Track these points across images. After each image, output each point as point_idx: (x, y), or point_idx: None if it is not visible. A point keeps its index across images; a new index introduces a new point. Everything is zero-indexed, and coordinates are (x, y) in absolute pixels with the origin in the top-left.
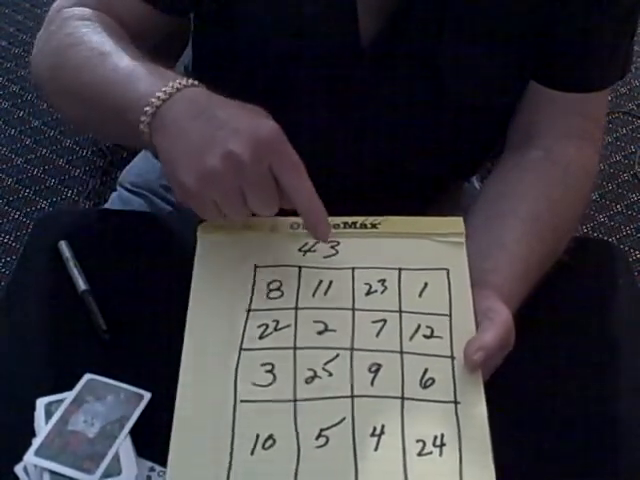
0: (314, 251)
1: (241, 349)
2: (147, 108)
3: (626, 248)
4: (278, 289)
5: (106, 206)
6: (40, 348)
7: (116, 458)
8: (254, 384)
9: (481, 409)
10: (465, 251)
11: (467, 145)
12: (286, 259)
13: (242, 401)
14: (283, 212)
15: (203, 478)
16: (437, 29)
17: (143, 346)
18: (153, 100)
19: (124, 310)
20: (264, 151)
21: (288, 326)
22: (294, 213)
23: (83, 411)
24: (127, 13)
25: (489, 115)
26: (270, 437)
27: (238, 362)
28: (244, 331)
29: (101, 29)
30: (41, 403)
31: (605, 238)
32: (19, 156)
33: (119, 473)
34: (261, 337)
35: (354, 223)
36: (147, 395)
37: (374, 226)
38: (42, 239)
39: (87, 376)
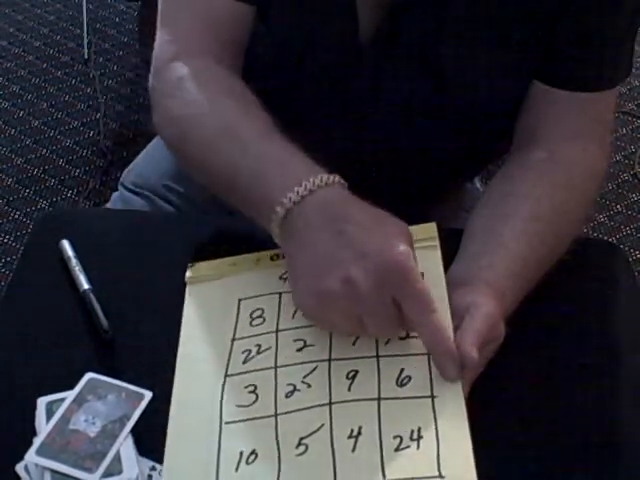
0: None
1: (226, 376)
2: (278, 209)
3: (626, 248)
4: (260, 316)
5: (107, 206)
6: (41, 347)
7: (117, 457)
8: (237, 405)
9: (458, 400)
10: (439, 253)
11: (468, 146)
12: (267, 288)
13: (227, 423)
14: None
15: None
16: (437, 25)
17: (144, 345)
18: (284, 201)
19: (125, 309)
20: (387, 281)
21: (269, 348)
22: None
23: (84, 410)
24: (227, 30)
25: (490, 114)
26: (253, 452)
27: (223, 388)
28: (229, 359)
29: (221, 95)
30: (42, 402)
31: (605, 238)
32: (19, 156)
33: (120, 472)
34: (244, 362)
35: None
36: (148, 394)
37: None
38: (43, 239)
39: (88, 375)
